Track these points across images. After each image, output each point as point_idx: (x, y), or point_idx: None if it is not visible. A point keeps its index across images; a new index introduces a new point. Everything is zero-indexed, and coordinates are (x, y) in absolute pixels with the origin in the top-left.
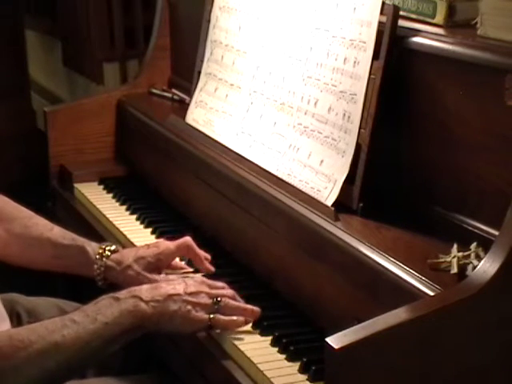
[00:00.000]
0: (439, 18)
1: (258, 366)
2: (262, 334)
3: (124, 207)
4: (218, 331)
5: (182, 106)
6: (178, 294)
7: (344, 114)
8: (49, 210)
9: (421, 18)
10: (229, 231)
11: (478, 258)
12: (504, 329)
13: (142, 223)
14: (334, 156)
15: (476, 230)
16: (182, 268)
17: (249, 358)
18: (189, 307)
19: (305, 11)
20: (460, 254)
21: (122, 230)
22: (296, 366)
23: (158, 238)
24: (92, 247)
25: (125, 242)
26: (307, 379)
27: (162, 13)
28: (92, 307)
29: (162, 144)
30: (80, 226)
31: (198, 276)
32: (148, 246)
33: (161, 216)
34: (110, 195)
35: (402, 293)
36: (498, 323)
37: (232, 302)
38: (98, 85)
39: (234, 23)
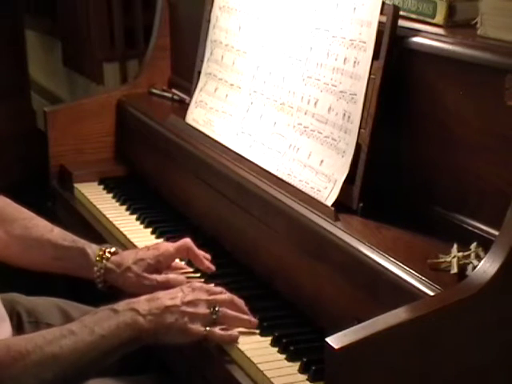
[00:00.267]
0: (439, 18)
1: (258, 366)
2: (262, 334)
3: (124, 207)
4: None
5: (182, 106)
6: (176, 306)
7: (344, 114)
8: (49, 210)
9: (421, 18)
10: (229, 231)
11: (478, 258)
12: (504, 329)
13: (142, 223)
14: (334, 156)
15: (476, 230)
16: (181, 268)
17: (249, 358)
18: (186, 319)
19: (305, 11)
20: (460, 253)
21: (122, 230)
22: (296, 366)
23: (157, 237)
24: (92, 249)
25: (125, 242)
26: (307, 379)
27: (161, 13)
28: (90, 318)
29: (162, 144)
30: (80, 226)
31: (195, 282)
32: (148, 247)
33: (161, 216)
34: (110, 195)
35: (402, 293)
36: (498, 323)
37: (230, 312)
38: (97, 85)
39: (234, 23)
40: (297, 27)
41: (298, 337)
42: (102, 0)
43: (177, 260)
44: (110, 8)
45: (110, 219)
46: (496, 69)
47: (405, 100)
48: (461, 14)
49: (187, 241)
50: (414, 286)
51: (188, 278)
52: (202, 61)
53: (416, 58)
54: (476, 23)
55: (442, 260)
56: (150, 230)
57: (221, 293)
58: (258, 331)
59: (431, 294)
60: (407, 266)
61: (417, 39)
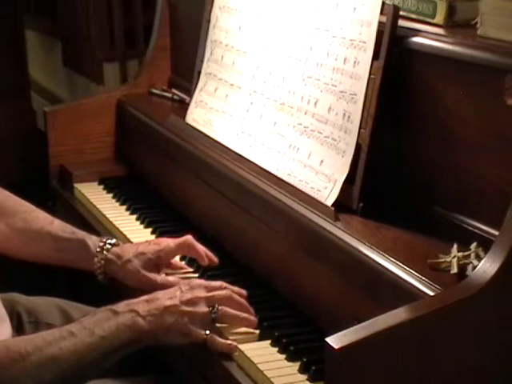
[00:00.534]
0: (439, 17)
1: (258, 365)
2: (261, 334)
3: (124, 207)
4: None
5: (182, 106)
6: (175, 305)
7: (344, 114)
8: (49, 210)
9: (421, 18)
10: (229, 231)
11: (478, 258)
12: (504, 329)
13: (142, 223)
14: (334, 156)
15: (476, 230)
16: (181, 268)
17: (249, 358)
18: (185, 319)
19: (305, 11)
20: (460, 253)
21: (122, 229)
22: (296, 365)
23: (157, 237)
24: (92, 241)
25: (125, 242)
26: (307, 379)
27: (162, 13)
28: (90, 319)
29: (162, 144)
30: (80, 226)
31: (194, 279)
32: (149, 242)
33: (161, 216)
34: (110, 195)
35: (401, 293)
36: (498, 323)
37: (229, 311)
38: (98, 85)
39: (234, 23)
40: (297, 27)
41: (298, 337)
42: (102, 0)
43: (177, 259)
44: (110, 8)
45: (110, 219)
46: (496, 69)
47: (405, 100)
48: (461, 13)
49: (189, 237)
50: (414, 286)
51: (188, 278)
52: (202, 61)
53: (416, 58)
54: (476, 23)
55: (442, 260)
56: (150, 230)
57: (220, 287)
58: (257, 331)
59: (431, 293)
60: (407, 266)
61: (417, 39)
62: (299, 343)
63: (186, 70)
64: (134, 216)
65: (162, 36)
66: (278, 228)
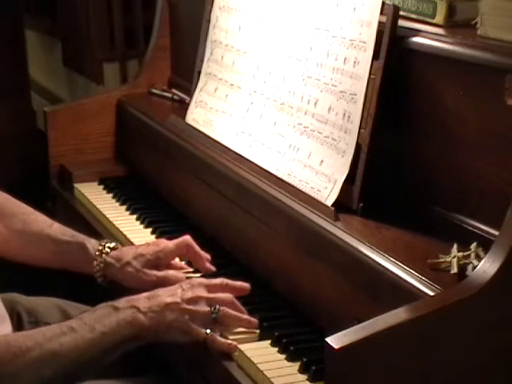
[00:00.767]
0: (439, 17)
1: (258, 365)
2: (262, 334)
3: (124, 207)
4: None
5: (182, 106)
6: (176, 303)
7: (344, 114)
8: (49, 210)
9: (421, 18)
10: (229, 231)
11: (478, 258)
12: (504, 329)
13: (142, 223)
14: (334, 156)
15: (476, 230)
16: (181, 268)
17: (249, 358)
18: (186, 317)
19: (305, 11)
20: (460, 253)
21: (122, 229)
22: (296, 365)
23: (157, 238)
24: (92, 244)
25: (125, 242)
26: (307, 379)
27: (162, 13)
28: (90, 315)
29: (162, 144)
30: (80, 226)
31: (196, 278)
32: (148, 244)
33: (161, 216)
34: (110, 195)
35: (401, 293)
36: (498, 323)
37: (230, 312)
38: (98, 85)
39: (234, 23)
40: (297, 27)
41: (297, 337)
42: (102, 0)
43: (177, 259)
44: (110, 8)
45: (110, 219)
46: (496, 69)
47: (405, 100)
48: (461, 13)
49: (187, 238)
50: (414, 286)
51: (188, 277)
52: (202, 61)
53: (416, 58)
54: (476, 23)
55: (442, 260)
56: (150, 230)
57: (221, 284)
58: (257, 331)
59: (431, 293)
60: (407, 266)
61: (417, 39)
62: (299, 343)
63: (186, 70)
64: (134, 216)
65: (161, 36)
66: (278, 228)
